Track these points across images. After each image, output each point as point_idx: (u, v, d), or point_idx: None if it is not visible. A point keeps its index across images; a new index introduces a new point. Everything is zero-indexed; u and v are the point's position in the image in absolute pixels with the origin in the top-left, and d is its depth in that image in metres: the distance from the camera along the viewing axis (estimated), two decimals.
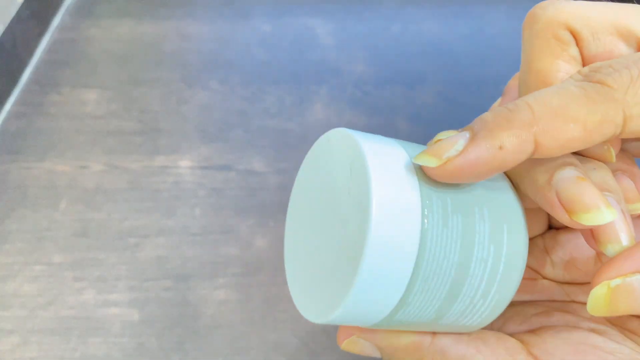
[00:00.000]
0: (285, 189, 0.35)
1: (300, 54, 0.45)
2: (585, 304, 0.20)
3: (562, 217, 0.15)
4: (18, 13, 0.42)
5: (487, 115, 0.15)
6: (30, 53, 0.43)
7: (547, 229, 0.21)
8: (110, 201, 0.34)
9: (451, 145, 0.15)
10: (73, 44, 0.45)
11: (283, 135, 0.38)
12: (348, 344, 0.18)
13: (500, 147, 0.15)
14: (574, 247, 0.20)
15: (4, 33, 0.40)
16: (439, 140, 0.16)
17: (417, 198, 0.15)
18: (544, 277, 0.21)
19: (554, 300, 0.20)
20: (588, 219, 0.15)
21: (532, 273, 0.21)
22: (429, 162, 0.15)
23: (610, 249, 0.16)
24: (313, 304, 0.16)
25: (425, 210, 0.15)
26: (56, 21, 0.47)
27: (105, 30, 0.46)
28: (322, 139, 0.17)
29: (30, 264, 0.31)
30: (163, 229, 0.33)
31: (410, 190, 0.15)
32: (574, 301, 0.20)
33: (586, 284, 0.20)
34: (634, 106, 0.15)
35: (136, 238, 0.33)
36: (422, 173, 0.15)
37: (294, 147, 0.38)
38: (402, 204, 0.14)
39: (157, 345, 0.28)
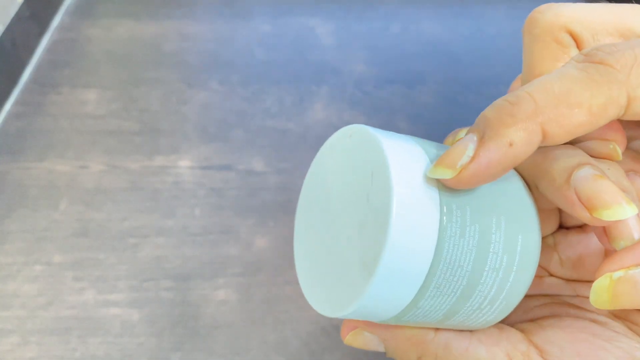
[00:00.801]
0: (285, 189, 0.35)
1: (300, 54, 0.45)
2: (588, 297, 0.20)
3: (582, 215, 0.15)
4: (18, 13, 0.42)
5: (489, 112, 0.15)
6: (30, 53, 0.43)
7: (558, 228, 0.21)
8: (110, 201, 0.34)
9: (462, 152, 0.15)
10: (73, 44, 0.45)
11: (283, 135, 0.38)
12: (352, 337, 0.18)
13: (510, 144, 0.15)
14: (584, 247, 0.20)
15: (4, 33, 0.40)
16: (457, 140, 0.16)
17: (437, 208, 0.15)
18: (552, 275, 0.21)
19: (559, 295, 0.20)
20: (609, 215, 0.15)
21: (540, 271, 0.21)
22: (445, 174, 0.15)
23: (623, 246, 0.16)
24: (326, 300, 0.16)
25: (445, 219, 0.15)
26: (56, 21, 0.47)
27: (105, 30, 0.46)
28: (343, 133, 0.17)
29: (30, 264, 0.31)
30: (163, 229, 0.33)
31: (430, 200, 0.15)
32: (578, 295, 0.20)
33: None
34: (638, 87, 0.15)
35: (136, 238, 0.33)
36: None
37: (294, 147, 0.38)
38: (421, 214, 0.15)
39: (157, 345, 0.28)
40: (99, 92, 0.41)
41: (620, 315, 0.18)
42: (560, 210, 0.21)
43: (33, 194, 0.35)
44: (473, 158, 0.15)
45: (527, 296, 0.20)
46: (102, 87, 0.41)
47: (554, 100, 0.15)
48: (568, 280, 0.21)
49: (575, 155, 0.16)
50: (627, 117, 0.16)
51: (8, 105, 0.40)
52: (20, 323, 0.29)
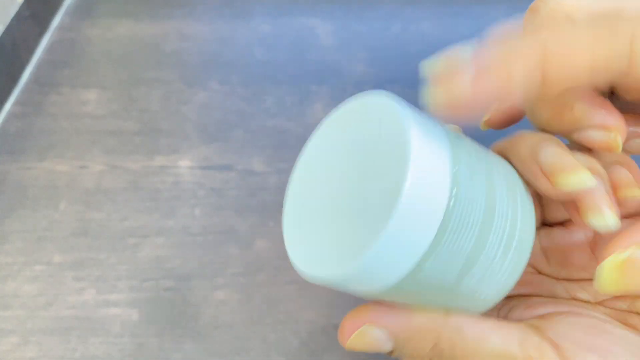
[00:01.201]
0: (285, 189, 0.35)
1: (300, 54, 0.45)
2: (585, 301, 0.20)
3: (545, 186, 0.16)
4: (18, 13, 0.42)
5: (492, 45, 0.15)
6: (30, 53, 0.43)
7: (542, 225, 0.21)
8: (110, 201, 0.34)
9: (459, 78, 0.15)
10: (73, 44, 0.45)
11: (283, 135, 0.38)
12: (355, 338, 0.17)
13: (509, 76, 0.15)
14: (567, 242, 0.20)
15: (4, 33, 0.40)
16: (450, 63, 0.16)
17: (448, 152, 0.15)
18: (540, 273, 0.21)
19: (555, 297, 0.20)
20: (568, 183, 0.15)
21: (529, 268, 0.21)
22: (439, 97, 0.15)
23: (593, 221, 0.16)
24: (327, 258, 0.16)
25: (456, 166, 0.15)
26: (56, 21, 0.47)
27: (105, 30, 0.46)
28: (358, 103, 0.19)
29: (30, 264, 0.31)
30: (163, 229, 0.33)
31: (441, 145, 0.15)
32: (574, 298, 0.20)
33: (584, 281, 0.20)
34: None
35: (136, 238, 0.33)
36: (451, 136, 0.16)
37: (294, 147, 0.38)
38: (436, 156, 0.15)
39: (157, 345, 0.28)
40: (99, 92, 0.41)
41: (618, 318, 0.18)
42: (542, 207, 0.21)
43: (33, 194, 0.35)
44: (470, 84, 0.15)
45: (526, 296, 0.20)
46: (102, 87, 0.41)
47: (557, 40, 0.15)
48: (558, 278, 0.21)
49: (544, 135, 0.17)
50: (630, 82, 0.16)
51: (8, 105, 0.40)
52: (20, 323, 0.29)
